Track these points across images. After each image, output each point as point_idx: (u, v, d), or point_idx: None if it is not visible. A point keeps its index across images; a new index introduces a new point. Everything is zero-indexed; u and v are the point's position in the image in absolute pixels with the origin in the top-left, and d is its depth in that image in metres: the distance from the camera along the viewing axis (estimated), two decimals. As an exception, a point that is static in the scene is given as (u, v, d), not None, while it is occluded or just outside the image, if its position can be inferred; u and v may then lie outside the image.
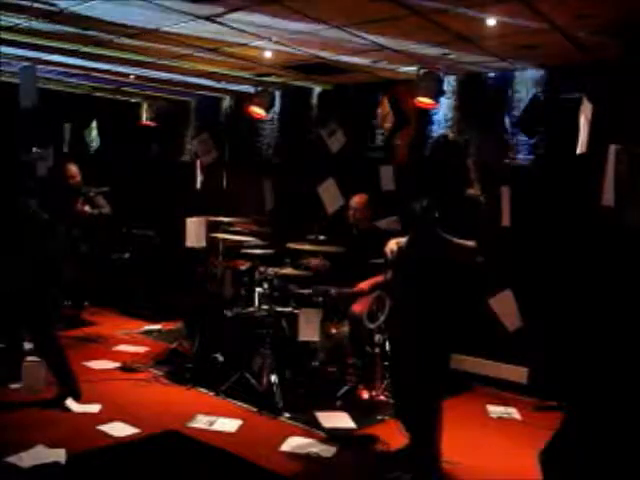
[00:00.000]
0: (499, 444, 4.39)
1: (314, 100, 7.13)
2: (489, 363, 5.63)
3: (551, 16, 4.05)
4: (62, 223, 5.09)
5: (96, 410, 4.50)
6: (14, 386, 4.77)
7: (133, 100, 8.68)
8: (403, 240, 3.83)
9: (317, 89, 7.10)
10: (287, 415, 4.58)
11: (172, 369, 5.46)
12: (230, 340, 5.30)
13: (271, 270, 5.24)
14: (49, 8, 4.48)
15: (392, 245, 3.84)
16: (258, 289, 5.33)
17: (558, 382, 4.88)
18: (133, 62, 6.20)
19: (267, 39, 5.04)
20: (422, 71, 5.57)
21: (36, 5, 4.37)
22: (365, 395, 4.96)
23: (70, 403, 4.49)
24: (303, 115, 7.19)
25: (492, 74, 5.73)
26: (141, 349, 6.17)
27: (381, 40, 4.86)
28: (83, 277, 6.76)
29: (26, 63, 6.14)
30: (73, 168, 6.75)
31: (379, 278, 5.10)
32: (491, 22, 4.23)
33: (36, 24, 4.91)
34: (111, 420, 4.32)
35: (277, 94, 7.41)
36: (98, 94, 8.36)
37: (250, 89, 7.13)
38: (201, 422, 4.41)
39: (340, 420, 4.57)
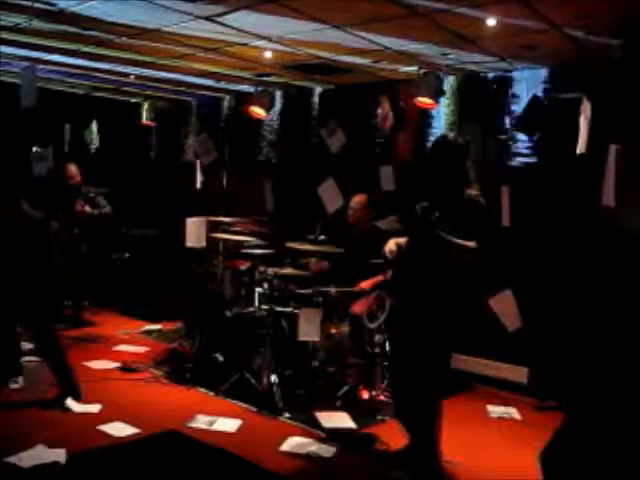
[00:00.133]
0: (499, 444, 4.39)
1: (314, 100, 7.13)
2: (489, 363, 5.63)
3: (551, 16, 4.05)
4: (61, 223, 5.10)
5: (96, 410, 4.50)
6: (14, 386, 4.77)
7: (133, 100, 8.68)
8: (402, 240, 3.83)
9: (318, 89, 7.10)
10: (287, 415, 4.58)
11: (172, 369, 5.46)
12: (230, 340, 5.30)
13: (271, 270, 5.24)
14: (49, 8, 4.48)
15: (391, 245, 3.84)
16: (258, 289, 5.33)
17: (558, 382, 4.88)
18: (133, 62, 6.20)
19: (267, 39, 5.04)
20: (422, 71, 5.56)
21: (36, 5, 4.37)
22: (365, 395, 4.96)
23: (70, 403, 4.49)
24: (303, 115, 7.19)
25: (492, 74, 5.73)
26: (141, 349, 6.17)
27: (381, 40, 4.86)
28: (83, 277, 6.76)
29: (26, 63, 6.14)
30: (73, 168, 6.76)
31: (380, 277, 5.10)
32: (491, 22, 4.23)
33: (36, 24, 4.90)
34: (111, 420, 4.32)
35: (277, 94, 7.41)
36: (98, 94, 8.36)
37: (250, 89, 7.13)
38: (201, 422, 4.41)
39: (340, 420, 4.57)
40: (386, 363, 4.86)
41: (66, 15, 4.62)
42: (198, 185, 7.99)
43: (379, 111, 6.39)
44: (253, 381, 4.88)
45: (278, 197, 6.80)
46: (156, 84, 7.46)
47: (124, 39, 5.29)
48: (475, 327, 4.99)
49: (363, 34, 4.72)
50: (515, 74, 5.58)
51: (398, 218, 5.61)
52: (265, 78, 6.65)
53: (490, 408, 5.06)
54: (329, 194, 5.62)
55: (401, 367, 3.82)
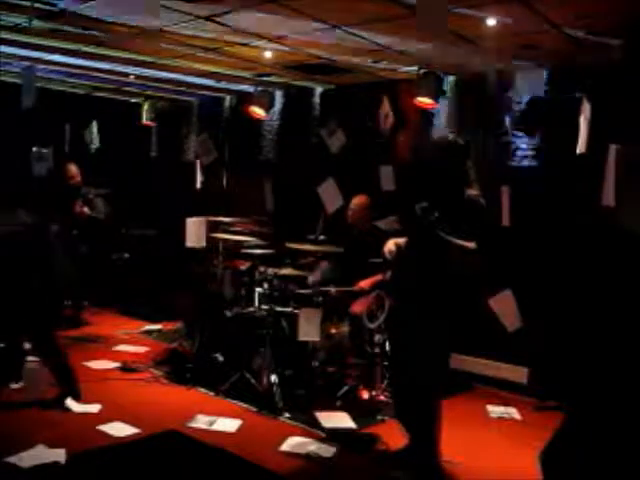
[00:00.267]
0: (499, 444, 4.39)
1: (315, 100, 7.13)
2: (489, 363, 5.63)
3: (551, 16, 4.05)
4: (61, 225, 5.09)
5: (96, 410, 4.50)
6: (14, 386, 4.77)
7: (133, 100, 8.68)
8: (402, 240, 3.83)
9: (318, 89, 7.10)
10: (287, 415, 4.58)
11: (172, 369, 5.45)
12: (230, 340, 5.30)
13: (271, 270, 5.24)
14: (49, 8, 4.48)
15: (391, 245, 3.84)
16: (258, 289, 5.33)
17: (558, 382, 4.88)
18: (134, 61, 6.20)
19: (267, 39, 5.04)
20: (422, 71, 5.57)
21: (36, 5, 4.37)
22: (365, 395, 4.96)
23: (70, 403, 4.49)
24: (304, 115, 7.19)
25: (491, 74, 5.72)
26: (141, 349, 6.17)
27: (381, 40, 4.86)
28: (83, 277, 6.76)
29: (27, 63, 6.14)
30: (73, 168, 6.76)
31: (379, 277, 5.10)
32: (491, 22, 4.23)
33: (37, 24, 4.90)
34: (111, 420, 4.32)
35: (278, 94, 7.41)
36: (99, 94, 8.37)
37: (250, 89, 7.13)
38: (201, 422, 4.41)
39: (340, 420, 4.57)
40: (386, 363, 4.86)
41: (66, 15, 4.62)
42: (198, 185, 7.99)
43: (379, 111, 6.39)
44: (253, 381, 4.88)
45: (278, 197, 6.81)
46: (156, 84, 7.46)
47: (124, 39, 5.29)
48: (475, 327, 4.99)
49: (363, 34, 4.72)
50: (515, 74, 5.57)
51: (398, 218, 5.62)
52: (265, 78, 6.65)
53: (490, 408, 5.06)
54: (329, 194, 5.62)
55: (401, 367, 3.82)
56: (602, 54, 4.74)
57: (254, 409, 4.68)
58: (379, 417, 4.62)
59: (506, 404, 5.15)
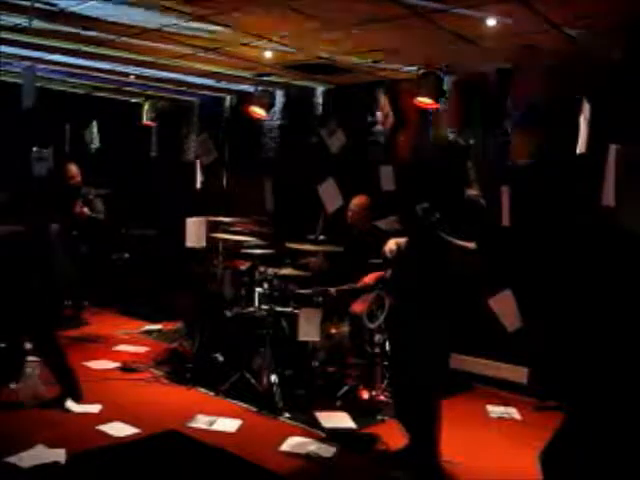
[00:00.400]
0: (499, 444, 4.39)
1: (315, 100, 7.12)
2: (489, 363, 5.63)
3: (551, 16, 4.05)
4: (61, 225, 5.09)
5: (96, 410, 4.50)
6: (14, 386, 4.76)
7: (134, 100, 8.68)
8: (402, 240, 3.83)
9: (319, 89, 7.09)
10: (287, 415, 4.58)
11: (172, 369, 5.46)
12: (230, 340, 5.30)
13: (271, 270, 5.24)
14: (49, 8, 4.48)
15: (391, 245, 3.84)
16: (258, 289, 5.33)
17: (558, 382, 4.88)
18: (134, 61, 6.20)
19: (267, 39, 5.04)
20: (422, 71, 5.56)
21: (36, 5, 4.37)
22: (365, 395, 4.96)
23: (70, 405, 4.49)
24: (304, 115, 7.18)
25: (491, 74, 5.72)
26: (141, 349, 6.17)
27: (381, 40, 4.86)
28: (83, 277, 6.76)
29: (28, 63, 6.14)
30: (73, 168, 6.76)
31: (383, 272, 5.09)
32: (491, 22, 4.23)
33: (37, 24, 4.90)
34: (111, 420, 4.32)
35: (279, 94, 7.40)
36: (99, 94, 8.37)
37: (251, 89, 7.13)
38: (201, 422, 4.41)
39: (340, 420, 4.57)
40: (386, 363, 4.86)
41: (66, 15, 4.63)
42: (198, 185, 7.98)
43: (379, 111, 6.40)
44: (253, 381, 4.88)
45: (278, 197, 6.81)
46: (157, 84, 7.46)
47: (125, 39, 5.29)
48: (475, 327, 5.00)
49: (363, 34, 4.72)
50: (514, 74, 5.57)
51: (398, 218, 5.61)
52: (265, 78, 6.65)
53: (490, 408, 5.06)
54: (329, 194, 5.62)
55: (401, 367, 3.82)
56: (602, 54, 4.75)
57: (254, 409, 4.68)
58: (379, 417, 4.62)
59: (506, 404, 5.15)
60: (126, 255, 7.84)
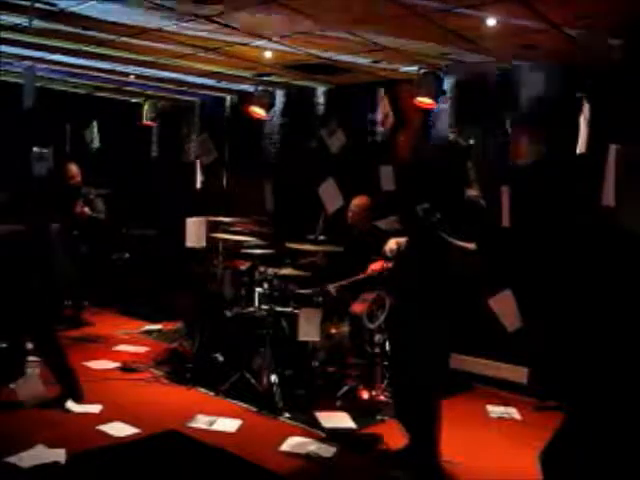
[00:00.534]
0: (499, 444, 4.39)
1: (315, 100, 7.12)
2: (489, 363, 5.63)
3: (551, 16, 4.05)
4: (61, 225, 5.10)
5: (96, 410, 4.50)
6: (14, 386, 4.76)
7: (134, 100, 8.68)
8: (403, 240, 3.83)
9: (319, 89, 7.09)
10: (287, 415, 4.58)
11: (172, 369, 5.46)
12: (230, 340, 5.30)
13: (271, 270, 5.24)
14: (49, 8, 4.48)
15: (392, 245, 3.85)
16: (258, 289, 5.33)
17: (558, 382, 4.88)
18: (134, 61, 6.20)
19: (267, 39, 5.04)
20: (422, 71, 5.57)
21: (36, 5, 4.37)
22: (365, 395, 4.96)
23: (70, 405, 4.49)
24: (304, 115, 7.18)
25: (492, 74, 5.72)
26: (141, 349, 6.17)
27: (381, 40, 4.86)
28: (83, 277, 6.76)
29: (28, 63, 6.15)
30: (74, 168, 6.77)
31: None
32: (491, 22, 4.23)
33: (37, 24, 4.90)
34: (111, 420, 4.32)
35: (279, 93, 7.40)
36: (100, 94, 8.37)
37: (251, 89, 7.13)
38: (201, 422, 4.41)
39: (340, 420, 4.57)
40: (386, 363, 4.86)
41: (66, 15, 4.63)
42: (198, 185, 7.99)
43: (379, 111, 6.40)
44: (253, 381, 4.88)
45: (278, 197, 6.81)
46: (157, 84, 7.46)
47: (124, 39, 5.29)
48: (475, 327, 4.99)
49: (363, 34, 4.72)
50: (515, 74, 5.57)
51: (398, 218, 5.61)
52: (265, 78, 6.65)
53: (490, 408, 5.06)
54: (329, 194, 5.62)
55: (401, 367, 3.82)
56: (602, 54, 4.75)
57: (254, 409, 4.68)
58: (379, 417, 4.62)
59: (506, 404, 5.15)
60: (126, 255, 7.84)
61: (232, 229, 5.95)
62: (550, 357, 5.11)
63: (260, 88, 6.75)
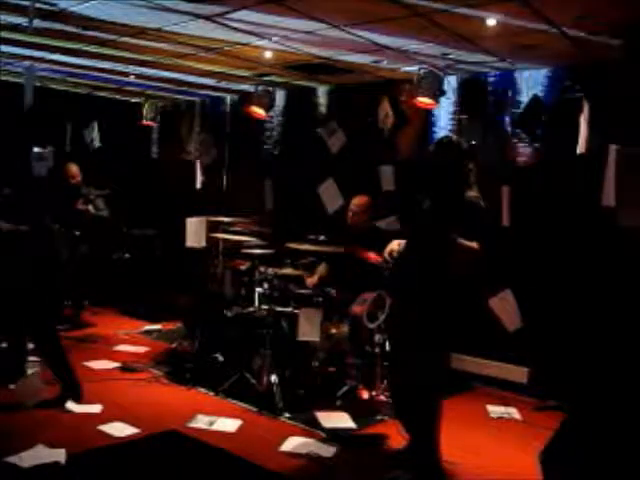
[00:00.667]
0: (499, 444, 4.39)
1: (316, 100, 7.12)
2: (489, 363, 5.63)
3: (551, 16, 4.05)
4: (61, 224, 5.10)
5: (96, 410, 4.50)
6: (14, 386, 4.76)
7: (134, 100, 8.69)
8: (404, 241, 3.83)
9: (319, 89, 7.09)
10: (287, 415, 4.58)
11: (172, 369, 5.45)
12: (230, 340, 5.30)
13: (271, 270, 5.24)
14: (49, 8, 4.48)
15: (394, 245, 3.85)
16: (258, 289, 5.33)
17: (558, 382, 4.89)
18: (134, 61, 6.20)
19: (267, 39, 5.04)
20: (422, 71, 5.57)
21: (36, 5, 4.37)
22: (365, 395, 4.96)
23: (70, 405, 4.48)
24: (304, 115, 7.18)
25: (492, 74, 5.73)
26: (141, 349, 6.17)
27: (381, 40, 4.86)
28: (83, 277, 6.76)
29: (28, 63, 6.14)
30: (74, 168, 6.77)
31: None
32: (491, 22, 4.23)
33: (38, 24, 4.90)
34: (111, 420, 4.31)
35: (280, 93, 7.40)
36: (100, 94, 8.37)
37: (251, 89, 7.13)
38: (201, 422, 4.41)
39: (340, 420, 4.57)
40: (386, 363, 4.86)
41: (66, 15, 4.63)
42: (198, 185, 8.00)
43: (379, 111, 6.40)
44: (253, 381, 4.88)
45: (278, 197, 6.82)
46: (157, 84, 7.46)
47: (125, 39, 5.29)
48: (475, 327, 4.99)
49: (363, 34, 4.72)
50: (515, 74, 5.57)
51: (398, 218, 5.62)
52: (266, 78, 6.65)
53: (490, 408, 5.06)
54: (329, 194, 5.64)
55: (401, 367, 3.82)
56: (602, 54, 4.75)
57: (254, 409, 4.68)
58: (379, 417, 4.62)
59: (506, 404, 5.14)
60: (126, 255, 7.85)
61: (232, 229, 5.95)
62: (550, 357, 5.12)
63: (260, 88, 6.76)
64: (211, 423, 4.40)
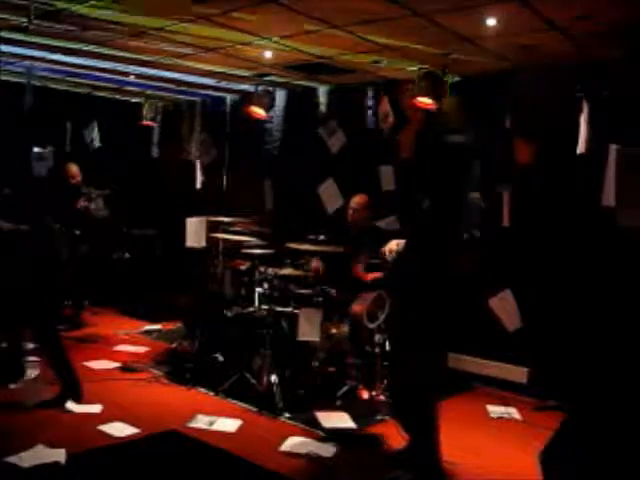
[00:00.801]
0: (499, 444, 4.39)
1: (315, 100, 7.12)
2: (489, 363, 5.63)
3: (551, 16, 4.05)
4: (61, 224, 5.11)
5: (96, 410, 4.50)
6: (14, 386, 4.77)
7: (134, 100, 8.69)
8: (403, 241, 3.83)
9: (319, 89, 7.09)
10: (287, 415, 4.58)
11: (172, 369, 5.45)
12: (230, 340, 5.30)
13: (271, 270, 5.24)
14: (49, 8, 4.48)
15: (392, 245, 3.85)
16: (258, 289, 5.33)
17: (558, 382, 4.89)
18: (134, 61, 6.20)
19: (267, 39, 5.04)
20: (422, 71, 5.56)
21: (36, 5, 4.37)
22: (365, 395, 4.96)
23: (70, 405, 4.48)
24: (304, 115, 7.18)
25: (492, 74, 5.72)
26: (141, 349, 6.17)
27: (381, 40, 4.86)
28: (83, 277, 6.76)
29: (28, 63, 6.15)
30: (74, 168, 6.77)
31: (378, 275, 5.11)
32: (491, 22, 4.23)
33: (37, 23, 4.90)
34: (111, 420, 4.32)
35: (281, 93, 7.40)
36: (100, 94, 8.37)
37: (252, 89, 7.13)
38: (201, 422, 4.41)
39: (340, 420, 4.57)
40: (386, 363, 4.86)
41: (66, 15, 4.62)
42: (198, 185, 8.00)
43: (379, 111, 6.40)
44: (253, 381, 4.88)
45: (278, 197, 6.82)
46: (157, 84, 7.46)
47: (125, 39, 5.29)
48: (475, 327, 5.00)
49: (363, 34, 4.72)
50: (515, 74, 5.57)
51: (398, 218, 5.62)
52: (266, 78, 6.65)
53: (490, 408, 5.06)
54: (329, 194, 5.64)
55: (400, 367, 3.82)
56: (602, 54, 4.75)
57: (254, 409, 4.68)
58: (379, 417, 4.62)
59: (506, 404, 5.14)
60: (126, 255, 7.85)
61: (232, 229, 5.95)
62: (550, 357, 5.12)
63: (260, 88, 6.76)
64: (211, 423, 4.40)
